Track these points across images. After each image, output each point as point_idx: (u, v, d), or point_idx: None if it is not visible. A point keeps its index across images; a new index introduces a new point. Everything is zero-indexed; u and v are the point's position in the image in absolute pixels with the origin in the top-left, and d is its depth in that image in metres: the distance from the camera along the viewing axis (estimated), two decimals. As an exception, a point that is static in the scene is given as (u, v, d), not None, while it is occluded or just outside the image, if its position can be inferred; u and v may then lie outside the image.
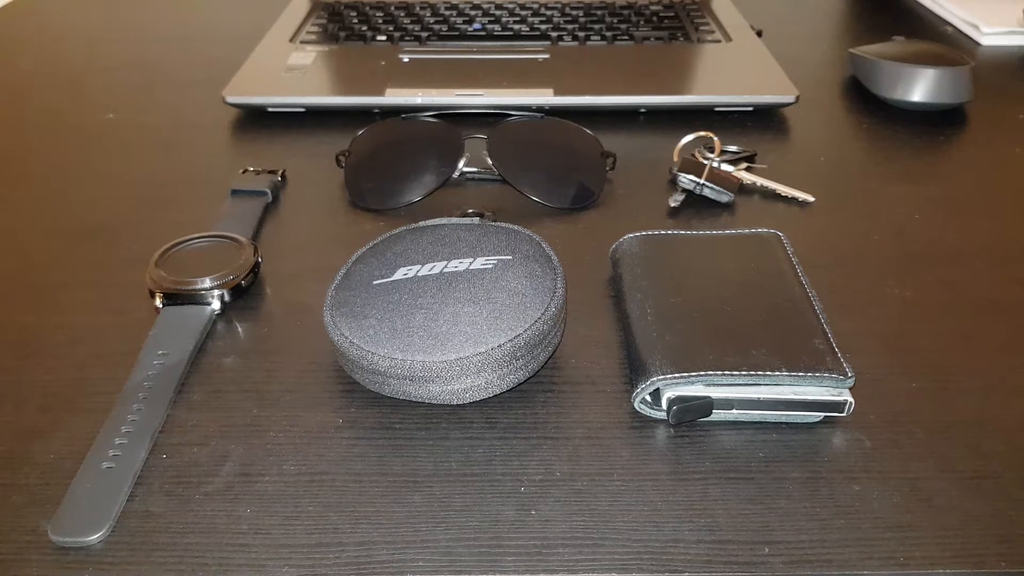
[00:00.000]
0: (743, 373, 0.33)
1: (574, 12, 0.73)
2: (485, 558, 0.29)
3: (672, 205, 0.49)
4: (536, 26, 0.70)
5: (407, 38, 0.68)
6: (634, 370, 0.35)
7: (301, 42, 0.68)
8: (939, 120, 0.60)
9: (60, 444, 0.34)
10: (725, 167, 0.51)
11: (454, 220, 0.41)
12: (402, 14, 0.73)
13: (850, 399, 0.34)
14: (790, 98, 0.59)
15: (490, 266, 0.37)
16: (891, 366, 0.38)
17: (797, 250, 0.45)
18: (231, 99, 0.59)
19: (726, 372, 0.33)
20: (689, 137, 0.53)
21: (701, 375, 0.33)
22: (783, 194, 0.50)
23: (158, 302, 0.41)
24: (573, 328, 0.40)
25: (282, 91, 0.60)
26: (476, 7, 0.74)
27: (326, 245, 0.46)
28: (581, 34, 0.68)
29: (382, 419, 0.35)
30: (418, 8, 0.74)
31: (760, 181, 0.51)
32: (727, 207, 0.50)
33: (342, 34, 0.69)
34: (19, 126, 0.60)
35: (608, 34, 0.68)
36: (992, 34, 0.74)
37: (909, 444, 0.34)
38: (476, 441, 0.34)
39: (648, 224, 0.48)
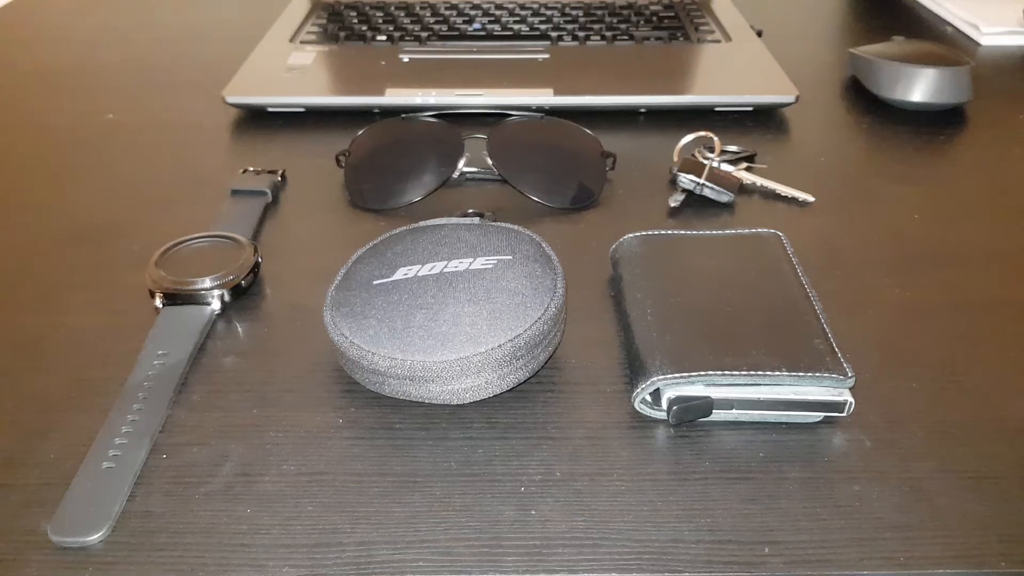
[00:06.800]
0: (743, 373, 0.33)
1: (574, 12, 0.73)
2: (485, 558, 0.29)
3: (672, 205, 0.49)
4: (536, 26, 0.70)
5: (407, 38, 0.68)
6: (634, 370, 0.35)
7: (301, 42, 0.68)
8: (939, 120, 0.60)
9: (60, 444, 0.34)
10: (725, 167, 0.51)
11: (454, 220, 0.41)
12: (402, 14, 0.73)
13: (850, 399, 0.34)
14: (790, 98, 0.59)
15: (490, 266, 0.37)
16: (891, 366, 0.38)
17: (797, 250, 0.45)
18: (231, 99, 0.59)
19: (726, 372, 0.33)
20: (689, 137, 0.53)
21: (701, 375, 0.33)
22: (783, 194, 0.50)
23: (158, 302, 0.41)
24: (573, 328, 0.40)
25: (282, 91, 0.60)
26: (476, 7, 0.74)
27: (326, 245, 0.46)
28: (581, 34, 0.68)
29: (382, 419, 0.35)
30: (418, 8, 0.74)
31: (760, 181, 0.51)
32: (727, 207, 0.50)
33: (342, 34, 0.69)
34: (19, 126, 0.60)
35: (608, 34, 0.68)
36: (992, 34, 0.74)
37: (909, 444, 0.34)
38: (476, 441, 0.34)
39: (648, 224, 0.48)
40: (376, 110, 0.60)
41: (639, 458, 0.33)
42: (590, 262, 0.45)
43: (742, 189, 0.51)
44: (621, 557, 0.29)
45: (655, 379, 0.34)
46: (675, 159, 0.52)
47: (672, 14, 0.73)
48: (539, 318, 0.34)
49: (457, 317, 0.34)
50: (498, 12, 0.73)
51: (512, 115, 0.51)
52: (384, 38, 0.68)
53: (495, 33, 0.69)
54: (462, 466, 0.33)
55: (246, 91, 0.60)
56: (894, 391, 0.36)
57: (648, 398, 0.35)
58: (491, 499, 0.32)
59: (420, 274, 0.37)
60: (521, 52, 0.66)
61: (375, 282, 0.37)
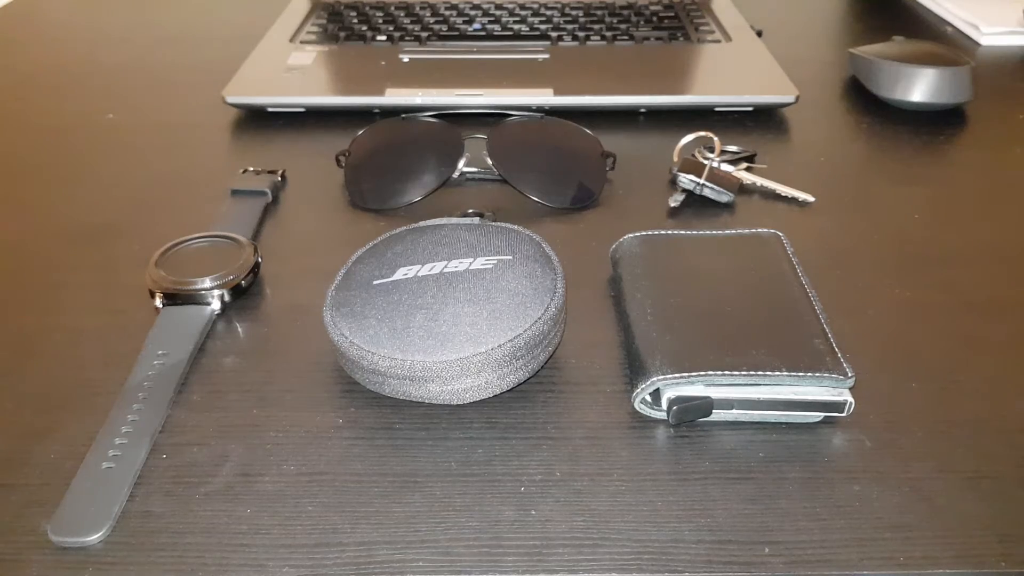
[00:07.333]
0: (743, 373, 0.33)
1: (574, 12, 0.73)
2: (485, 558, 0.29)
3: (672, 205, 0.49)
4: (536, 26, 0.70)
5: (407, 38, 0.68)
6: (634, 370, 0.35)
7: (301, 42, 0.68)
8: (939, 120, 0.60)
9: (60, 444, 0.34)
10: (725, 167, 0.51)
11: (454, 220, 0.41)
12: (402, 14, 0.73)
13: (850, 399, 0.34)
14: (790, 98, 0.59)
15: (490, 266, 0.37)
16: (891, 366, 0.38)
17: (797, 250, 0.45)
18: (231, 99, 0.59)
19: (726, 372, 0.33)
20: (689, 137, 0.53)
21: (701, 375, 0.33)
22: (783, 194, 0.50)
23: (158, 302, 0.41)
24: (573, 328, 0.40)
25: (282, 91, 0.60)
26: (476, 7, 0.74)
27: (326, 245, 0.46)
28: (581, 34, 0.68)
29: (382, 419, 0.35)
30: (418, 8, 0.74)
31: (760, 181, 0.51)
32: (727, 207, 0.50)
33: (342, 34, 0.69)
34: (19, 126, 0.60)
35: (608, 34, 0.68)
36: (992, 34, 0.74)
37: (909, 444, 0.34)
38: (476, 441, 0.34)
39: (648, 224, 0.48)
40: (376, 110, 0.60)
41: (639, 458, 0.33)
42: (590, 262, 0.45)
43: (742, 189, 0.51)
44: (621, 557, 0.29)
45: (655, 379, 0.34)
46: (675, 159, 0.52)
47: (672, 14, 0.73)
48: (539, 318, 0.34)
49: (457, 317, 0.34)
50: (498, 12, 0.73)
51: (512, 115, 0.51)
52: (384, 38, 0.68)
53: (495, 33, 0.69)
54: (462, 466, 0.33)
55: (246, 91, 0.60)
56: (894, 391, 0.36)
57: (648, 398, 0.35)
58: (491, 499, 0.32)
59: (420, 274, 0.37)
60: (521, 52, 0.66)
61: (375, 282, 0.37)
